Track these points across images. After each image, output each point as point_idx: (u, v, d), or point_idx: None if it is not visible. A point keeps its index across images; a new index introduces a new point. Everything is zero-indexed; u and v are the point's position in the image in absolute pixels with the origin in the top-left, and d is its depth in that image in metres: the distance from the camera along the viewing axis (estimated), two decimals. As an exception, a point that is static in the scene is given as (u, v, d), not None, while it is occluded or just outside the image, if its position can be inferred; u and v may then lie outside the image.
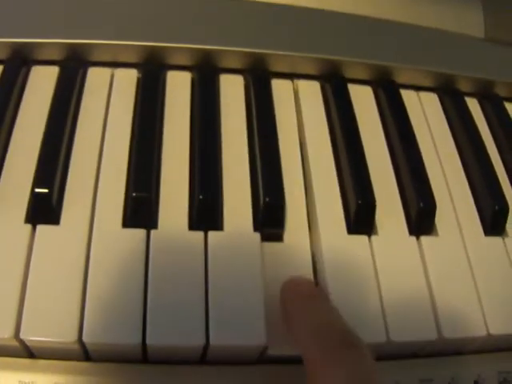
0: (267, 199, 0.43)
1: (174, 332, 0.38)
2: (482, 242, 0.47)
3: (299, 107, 0.52)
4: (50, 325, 0.37)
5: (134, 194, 0.42)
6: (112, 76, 0.51)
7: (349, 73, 0.54)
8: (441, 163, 0.51)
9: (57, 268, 0.39)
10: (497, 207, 0.48)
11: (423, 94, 0.56)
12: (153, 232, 0.42)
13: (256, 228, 0.43)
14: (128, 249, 0.40)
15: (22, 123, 0.46)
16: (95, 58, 0.51)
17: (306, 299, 0.39)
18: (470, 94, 0.58)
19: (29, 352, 0.39)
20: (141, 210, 0.42)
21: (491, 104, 0.57)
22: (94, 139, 0.46)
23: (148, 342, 0.37)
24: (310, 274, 0.42)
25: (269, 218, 0.44)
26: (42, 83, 0.49)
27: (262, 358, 0.41)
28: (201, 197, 0.42)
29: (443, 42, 0.57)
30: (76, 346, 0.37)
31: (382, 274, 0.43)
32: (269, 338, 0.39)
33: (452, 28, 0.57)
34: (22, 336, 0.36)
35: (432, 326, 0.42)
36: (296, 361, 0.36)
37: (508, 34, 0.58)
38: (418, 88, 0.56)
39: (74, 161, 0.45)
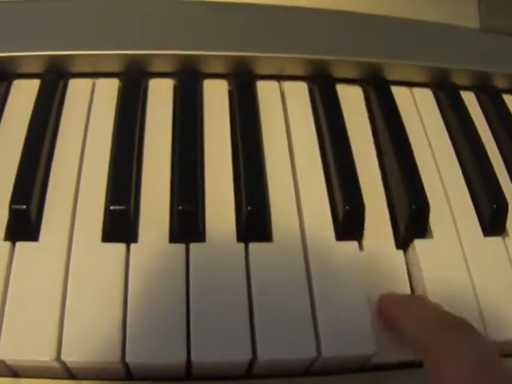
0: (249, 207, 0.42)
1: (154, 349, 0.37)
2: (480, 243, 0.45)
3: (286, 109, 0.51)
4: (26, 343, 0.36)
5: (111, 208, 0.41)
6: (93, 86, 0.50)
7: (337, 72, 0.53)
8: (436, 162, 0.50)
9: (36, 284, 0.39)
10: (495, 206, 0.46)
11: (417, 90, 0.55)
12: (133, 246, 0.41)
13: (239, 238, 0.42)
14: (107, 264, 0.40)
15: (1, 137, 0.46)
16: (76, 69, 0.50)
17: (407, 301, 0.40)
18: (467, 88, 0.56)
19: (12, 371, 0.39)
20: (119, 223, 0.41)
21: (489, 97, 0.55)
22: (74, 152, 0.45)
23: (128, 359, 0.36)
24: (302, 274, 0.41)
25: (252, 227, 0.42)
26: (22, 97, 0.49)
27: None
28: (180, 207, 0.41)
29: (436, 35, 0.55)
30: (56, 365, 0.37)
31: (370, 282, 0.41)
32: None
33: (445, 20, 0.56)
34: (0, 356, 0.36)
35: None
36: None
37: (504, 23, 0.56)
38: (411, 84, 0.55)
39: (54, 175, 0.44)
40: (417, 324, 0.37)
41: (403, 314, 0.39)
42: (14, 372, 0.39)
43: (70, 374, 0.39)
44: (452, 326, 0.35)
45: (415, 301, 0.41)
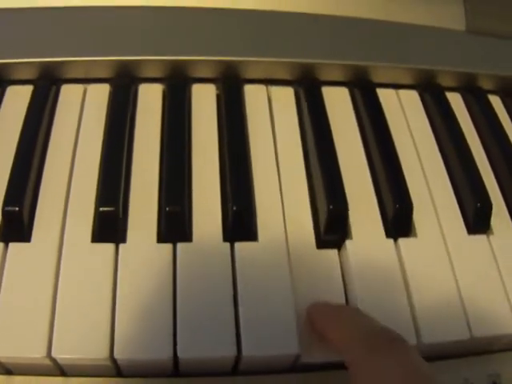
0: (235, 208, 0.43)
1: (142, 345, 0.38)
2: (464, 241, 0.46)
3: (272, 113, 0.51)
4: (18, 340, 0.37)
5: (100, 209, 0.42)
6: (85, 92, 0.51)
7: (323, 75, 0.53)
8: (421, 162, 0.50)
9: (28, 283, 0.40)
10: (479, 204, 0.47)
11: (403, 92, 0.55)
12: (121, 246, 0.42)
13: (225, 237, 0.43)
14: (97, 263, 0.41)
15: (-6, 142, 0.47)
16: (68, 75, 0.51)
17: (337, 310, 0.40)
18: (453, 89, 0.56)
19: (5, 368, 0.40)
20: (108, 224, 0.42)
21: (475, 97, 0.56)
22: (65, 156, 0.46)
23: (116, 356, 0.37)
24: (286, 274, 0.41)
25: (238, 226, 0.43)
26: (16, 102, 0.50)
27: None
28: (167, 209, 0.42)
29: (422, 37, 0.56)
30: (47, 362, 0.38)
31: (357, 279, 0.42)
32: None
33: (431, 22, 0.56)
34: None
35: (411, 331, 0.41)
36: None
37: (490, 25, 0.57)
38: (397, 86, 0.55)
39: (46, 178, 0.45)
40: (345, 339, 0.36)
41: (332, 325, 0.38)
42: (8, 370, 0.40)
43: (61, 371, 0.40)
44: (380, 343, 0.34)
45: (346, 313, 0.40)
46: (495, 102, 0.56)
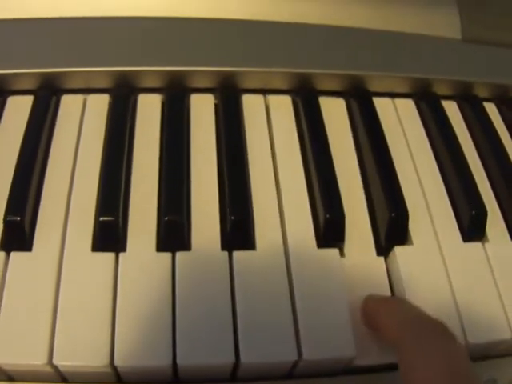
0: (233, 217, 0.43)
1: (141, 352, 0.38)
2: (460, 249, 0.46)
3: (270, 122, 0.52)
4: (19, 347, 0.38)
5: (101, 218, 0.43)
6: (85, 102, 0.52)
7: (320, 85, 0.54)
8: (417, 170, 0.51)
9: (30, 291, 0.40)
10: (474, 212, 0.47)
11: (399, 101, 0.56)
12: (121, 255, 0.42)
13: (224, 246, 0.43)
14: (97, 272, 0.41)
15: (-4, 152, 0.48)
16: (68, 85, 0.52)
17: (389, 301, 0.42)
18: (449, 97, 0.57)
19: (6, 375, 0.40)
20: (108, 233, 0.43)
21: (470, 106, 0.56)
22: (66, 166, 0.47)
23: (116, 363, 0.38)
24: (284, 281, 0.42)
25: (236, 236, 0.44)
26: (17, 112, 0.50)
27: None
28: (166, 218, 0.43)
29: (418, 46, 0.57)
30: (49, 369, 0.38)
31: (352, 289, 0.43)
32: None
33: (427, 31, 0.57)
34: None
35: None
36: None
37: (485, 34, 0.57)
38: (393, 95, 0.56)
39: (46, 187, 0.46)
40: (394, 322, 0.38)
41: (382, 311, 0.39)
42: (10, 376, 0.40)
43: (62, 378, 0.40)
44: (428, 329, 0.36)
45: (395, 301, 0.42)
46: (490, 109, 0.57)
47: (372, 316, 0.40)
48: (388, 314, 0.39)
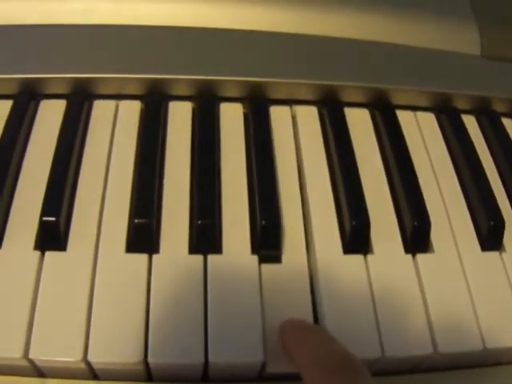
0: (263, 222, 0.45)
1: (174, 350, 0.40)
2: (478, 258, 0.48)
3: (297, 132, 0.53)
4: (54, 344, 0.39)
5: (135, 221, 0.44)
6: (116, 108, 0.53)
7: (346, 97, 0.55)
8: (437, 181, 0.52)
9: (64, 292, 0.41)
10: (492, 223, 0.49)
11: (420, 114, 0.57)
12: (154, 257, 0.44)
13: (254, 251, 0.45)
14: (131, 273, 0.43)
15: (32, 154, 0.49)
16: (100, 91, 0.53)
17: (304, 331, 0.40)
18: (468, 112, 0.59)
19: (38, 371, 0.41)
20: (142, 235, 0.44)
21: (489, 120, 0.58)
22: (100, 169, 0.48)
23: (150, 360, 0.39)
24: (307, 294, 0.44)
25: (265, 240, 0.45)
26: (50, 116, 0.52)
27: (262, 376, 0.42)
28: (199, 222, 0.44)
29: (439, 62, 0.58)
30: (83, 365, 0.39)
31: (377, 293, 0.44)
32: (268, 356, 0.40)
33: (448, 47, 0.58)
34: (31, 356, 0.39)
35: (428, 342, 0.42)
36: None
37: (504, 50, 0.59)
38: (415, 108, 0.57)
39: (80, 189, 0.47)
40: (304, 354, 0.37)
41: (297, 339, 0.39)
42: (41, 373, 0.41)
43: (93, 375, 0.41)
44: (337, 366, 0.35)
45: (311, 331, 0.40)
46: (508, 124, 0.58)
47: (286, 341, 0.40)
48: (301, 343, 0.38)
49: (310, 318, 0.42)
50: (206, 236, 0.44)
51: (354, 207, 0.47)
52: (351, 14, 0.57)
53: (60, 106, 0.53)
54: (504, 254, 0.48)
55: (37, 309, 0.40)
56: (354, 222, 0.46)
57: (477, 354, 0.43)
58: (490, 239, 0.49)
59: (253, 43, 0.55)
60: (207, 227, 0.44)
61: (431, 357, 0.43)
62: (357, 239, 0.46)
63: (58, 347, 0.39)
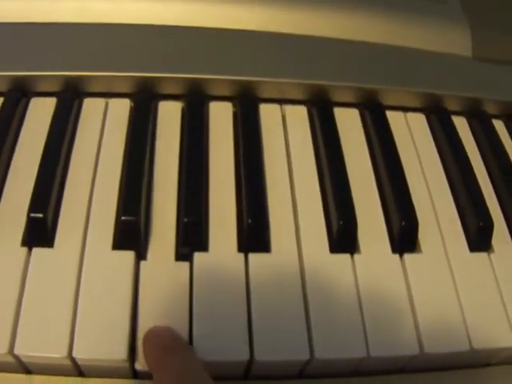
0: (250, 221, 0.45)
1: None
2: (466, 259, 0.48)
3: (286, 132, 0.54)
4: (40, 340, 0.39)
5: (122, 218, 0.44)
6: (106, 106, 0.53)
7: (335, 97, 0.56)
8: (426, 181, 0.52)
9: (50, 288, 0.41)
10: (481, 223, 0.49)
11: (410, 115, 0.57)
12: (142, 262, 0.44)
13: (240, 249, 0.45)
14: (117, 270, 0.43)
15: (21, 151, 0.49)
16: (90, 88, 0.53)
17: (163, 352, 0.39)
18: (458, 113, 0.59)
19: (24, 368, 0.41)
20: (129, 232, 0.44)
21: (479, 122, 0.58)
22: (88, 166, 0.48)
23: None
24: (297, 284, 0.44)
25: (252, 238, 0.45)
26: (40, 113, 0.52)
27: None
28: (186, 219, 0.44)
29: (430, 63, 0.58)
30: (68, 362, 0.39)
31: (364, 293, 0.44)
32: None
33: (439, 48, 0.58)
34: (16, 351, 0.39)
35: (414, 342, 0.42)
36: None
37: (496, 52, 0.59)
38: (405, 109, 0.58)
39: (69, 186, 0.47)
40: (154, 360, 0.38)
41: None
42: (27, 369, 0.41)
43: (79, 371, 0.41)
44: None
45: (169, 356, 0.38)
46: (498, 125, 0.59)
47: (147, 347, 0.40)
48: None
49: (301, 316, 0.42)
50: (192, 233, 0.44)
51: (342, 207, 0.47)
52: (342, 14, 0.57)
53: (50, 103, 0.52)
54: (492, 255, 0.48)
55: (23, 305, 0.40)
56: (341, 222, 0.46)
57: (464, 354, 0.43)
58: (478, 240, 0.49)
59: (243, 42, 0.55)
60: (193, 225, 0.44)
61: (418, 357, 0.43)
62: (344, 239, 0.46)
63: (43, 343, 0.39)
